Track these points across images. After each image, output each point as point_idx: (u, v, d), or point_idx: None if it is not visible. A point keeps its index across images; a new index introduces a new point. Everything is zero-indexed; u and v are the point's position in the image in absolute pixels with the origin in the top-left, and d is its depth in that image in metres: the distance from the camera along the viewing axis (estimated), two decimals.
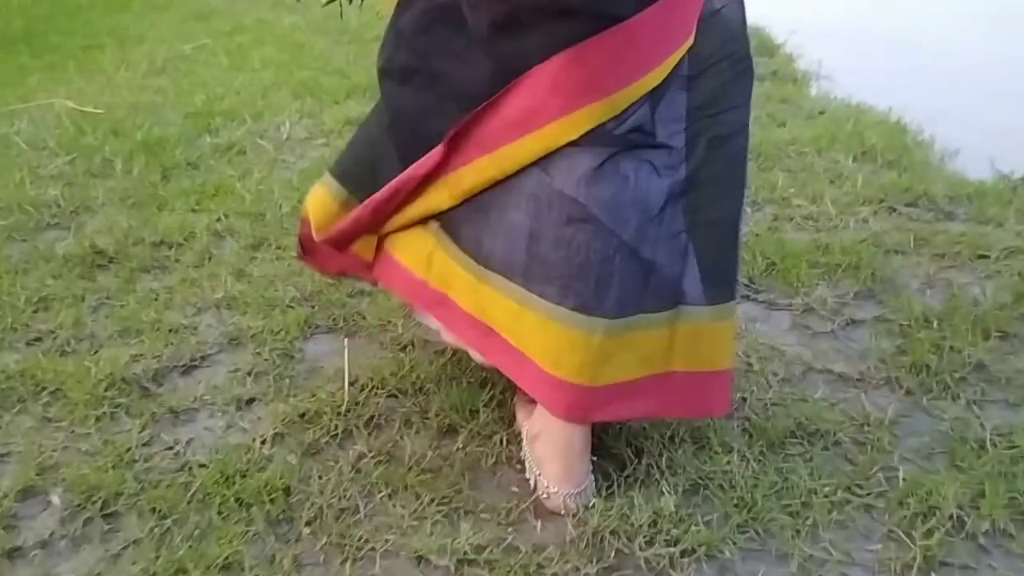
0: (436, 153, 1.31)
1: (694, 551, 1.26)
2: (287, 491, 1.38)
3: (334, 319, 1.84)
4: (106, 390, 1.60)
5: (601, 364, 1.27)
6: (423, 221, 1.40)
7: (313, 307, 1.89)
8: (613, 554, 1.26)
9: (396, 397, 1.61)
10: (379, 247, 1.49)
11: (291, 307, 1.88)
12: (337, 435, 1.51)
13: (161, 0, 5.60)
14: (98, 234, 2.20)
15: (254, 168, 2.64)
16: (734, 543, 1.28)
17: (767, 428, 1.49)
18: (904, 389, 1.61)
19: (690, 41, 1.27)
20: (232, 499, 1.36)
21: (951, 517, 1.31)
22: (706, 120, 1.29)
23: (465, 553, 1.26)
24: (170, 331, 1.79)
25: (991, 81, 3.80)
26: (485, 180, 1.31)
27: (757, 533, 1.30)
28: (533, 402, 1.41)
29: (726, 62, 1.30)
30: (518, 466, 1.44)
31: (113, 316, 1.85)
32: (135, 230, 2.24)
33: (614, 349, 1.26)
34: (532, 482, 1.39)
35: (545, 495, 1.36)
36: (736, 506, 1.34)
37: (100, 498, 1.36)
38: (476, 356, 1.44)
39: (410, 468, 1.43)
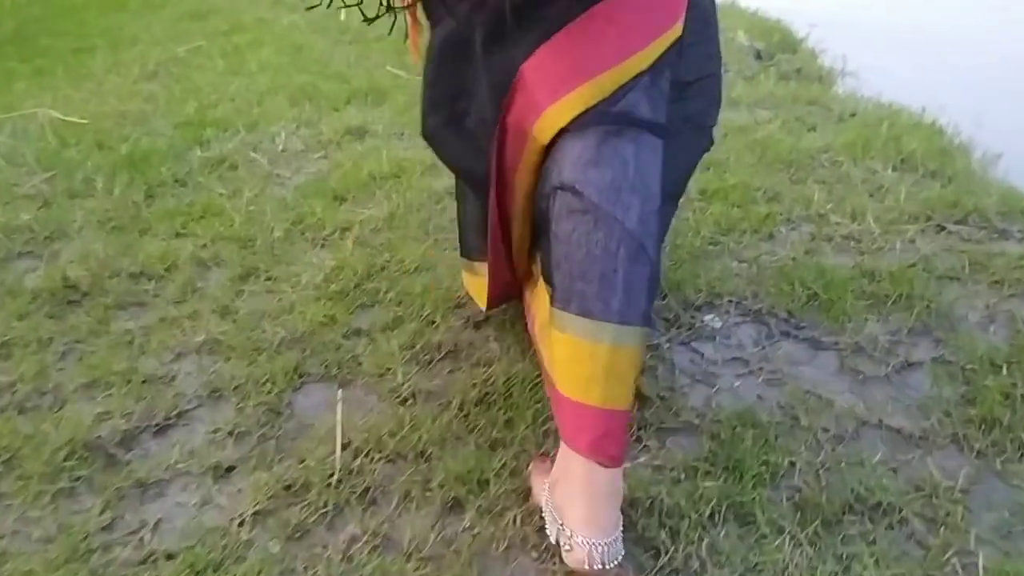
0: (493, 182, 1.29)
1: None
2: None
3: (327, 365, 1.65)
4: (66, 459, 1.41)
5: (611, 380, 1.13)
6: None
7: (304, 351, 1.69)
8: None
9: (394, 462, 1.41)
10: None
11: (279, 352, 1.69)
12: (327, 512, 1.31)
13: None
14: (72, 264, 2.02)
15: (245, 185, 2.45)
16: None
17: (821, 502, 1.30)
18: (974, 451, 1.41)
19: (679, 28, 1.22)
20: None
21: None
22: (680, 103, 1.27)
23: None
24: (144, 382, 1.61)
25: None
26: (521, 199, 1.30)
27: None
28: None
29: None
30: (534, 552, 1.24)
31: (82, 364, 1.66)
32: (113, 259, 2.05)
33: (625, 365, 1.13)
34: (553, 538, 1.20)
35: (567, 547, 1.15)
36: None
37: None
38: None
39: (409, 556, 1.24)
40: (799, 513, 1.29)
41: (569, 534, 1.15)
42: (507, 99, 1.21)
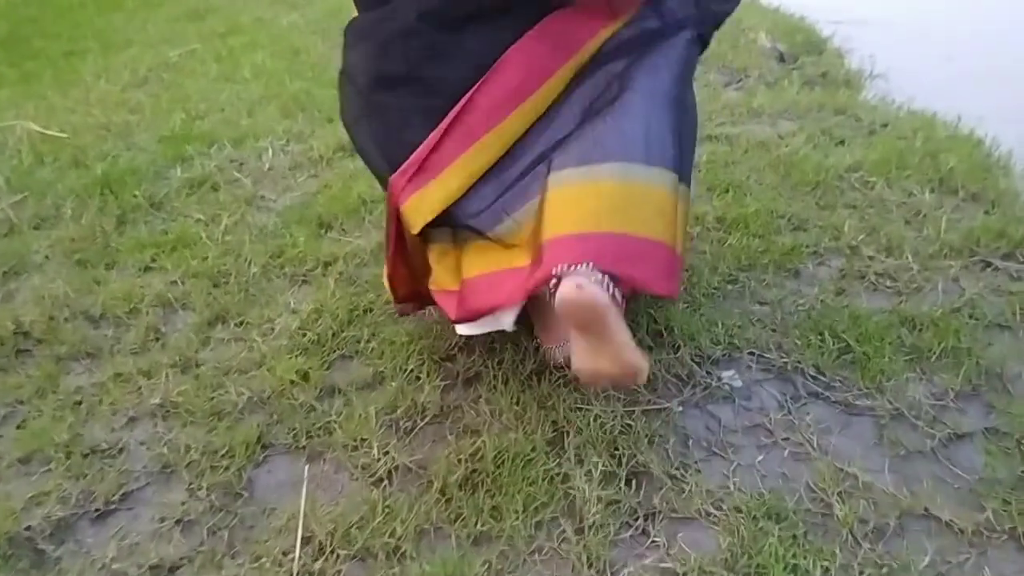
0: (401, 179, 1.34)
1: None
2: None
3: (295, 434, 1.46)
4: None
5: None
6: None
7: (271, 415, 1.51)
8: None
9: (363, 561, 1.23)
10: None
11: (243, 416, 1.51)
12: None
13: None
14: (27, 306, 1.84)
15: (225, 211, 2.26)
16: None
17: None
18: None
19: None
20: None
21: None
22: None
23: None
24: (87, 456, 1.43)
25: None
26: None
27: None
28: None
29: None
30: None
31: (22, 432, 1.48)
32: (73, 300, 1.87)
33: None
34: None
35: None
36: None
37: None
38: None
39: None
40: None
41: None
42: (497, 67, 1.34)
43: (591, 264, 1.16)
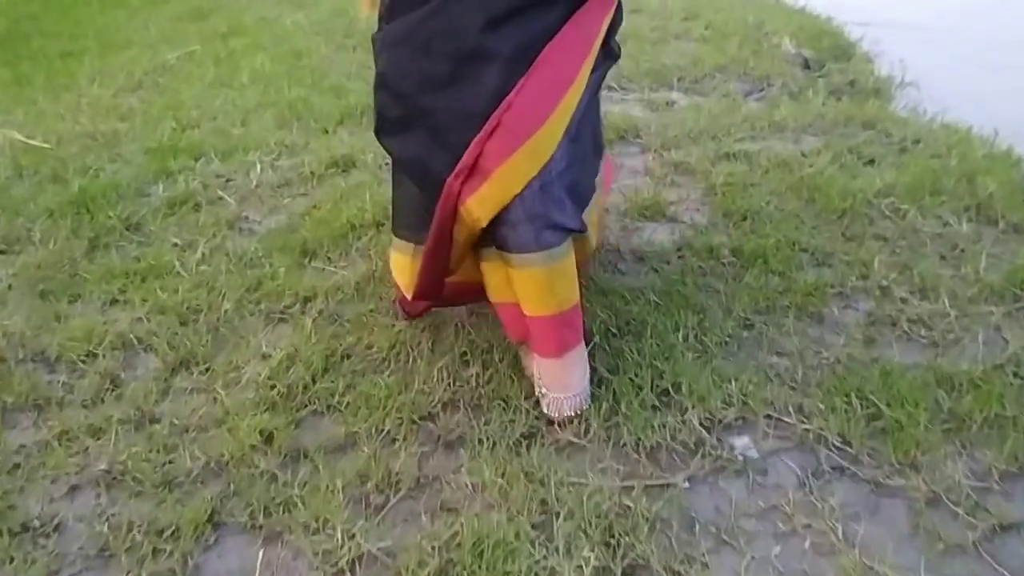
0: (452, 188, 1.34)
1: None
2: None
3: (252, 510, 1.30)
4: None
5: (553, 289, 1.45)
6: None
7: (228, 485, 1.35)
8: None
9: None
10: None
11: (196, 486, 1.35)
12: None
13: None
14: None
15: (203, 236, 2.10)
16: None
17: None
18: None
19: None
20: None
21: None
22: None
23: None
24: (17, 533, 1.27)
25: None
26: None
27: None
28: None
29: None
30: None
31: None
32: (30, 339, 1.73)
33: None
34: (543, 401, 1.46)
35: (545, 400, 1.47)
36: None
37: None
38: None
39: None
40: None
41: (544, 392, 1.46)
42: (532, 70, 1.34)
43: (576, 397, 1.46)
